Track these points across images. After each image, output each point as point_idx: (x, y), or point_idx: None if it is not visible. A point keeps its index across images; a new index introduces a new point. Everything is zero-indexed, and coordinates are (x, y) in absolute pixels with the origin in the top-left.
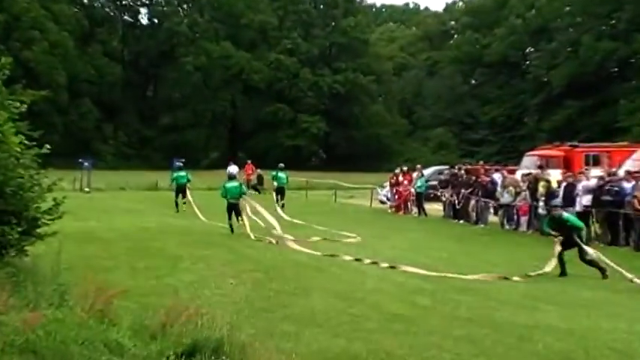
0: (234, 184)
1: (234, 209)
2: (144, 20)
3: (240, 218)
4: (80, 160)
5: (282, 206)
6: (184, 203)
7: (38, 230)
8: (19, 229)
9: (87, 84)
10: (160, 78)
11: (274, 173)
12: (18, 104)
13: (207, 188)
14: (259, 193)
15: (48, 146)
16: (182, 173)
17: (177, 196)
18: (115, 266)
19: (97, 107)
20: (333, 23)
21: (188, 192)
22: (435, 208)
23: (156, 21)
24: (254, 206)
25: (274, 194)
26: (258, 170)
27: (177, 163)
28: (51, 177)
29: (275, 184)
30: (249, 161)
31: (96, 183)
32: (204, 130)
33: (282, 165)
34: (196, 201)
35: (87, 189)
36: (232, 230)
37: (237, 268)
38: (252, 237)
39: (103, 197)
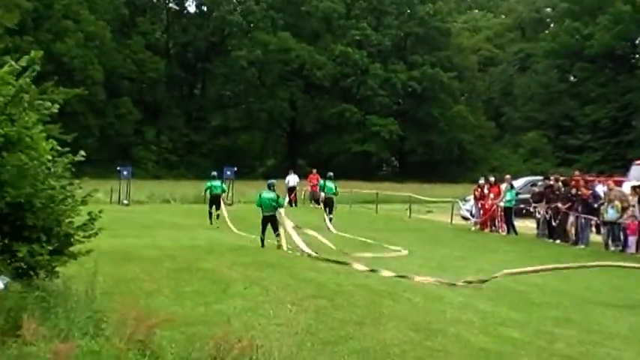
0: (269, 195)
1: (269, 222)
2: (191, 8)
3: (277, 233)
4: (118, 168)
5: (330, 220)
6: (217, 217)
7: (71, 249)
8: (50, 248)
9: (126, 81)
10: (209, 74)
11: (322, 183)
12: (49, 104)
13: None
14: (317, 204)
15: (83, 153)
16: (216, 183)
17: (210, 207)
18: (157, 290)
19: (138, 108)
20: (409, 11)
21: (222, 204)
22: (526, 226)
23: (205, 9)
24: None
25: (322, 206)
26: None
27: (213, 173)
28: (85, 188)
29: (322, 194)
30: (314, 170)
31: (136, 194)
32: (260, 134)
33: (331, 174)
34: (237, 213)
35: (125, 201)
36: (263, 244)
37: (298, 294)
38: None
39: (144, 210)
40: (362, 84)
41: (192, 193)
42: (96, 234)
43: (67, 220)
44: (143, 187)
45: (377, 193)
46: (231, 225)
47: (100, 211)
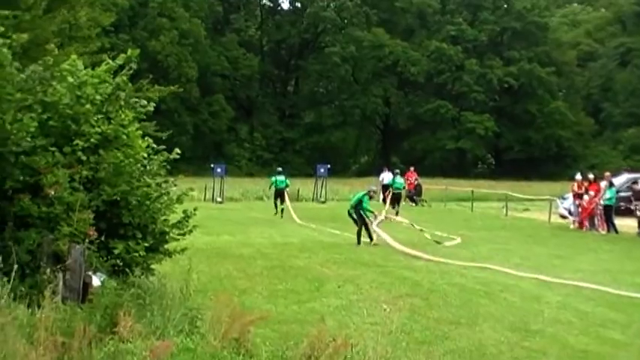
0: (280, 177)
1: (280, 196)
2: (285, 5)
3: (283, 203)
4: (212, 166)
5: (397, 213)
6: (282, 210)
7: (166, 246)
8: (145, 245)
9: (220, 78)
10: (303, 71)
11: (390, 179)
12: (145, 102)
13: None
14: (415, 204)
15: (178, 150)
16: (281, 178)
17: (275, 199)
18: (251, 288)
19: (231, 105)
20: (506, 5)
21: (286, 197)
22: (627, 225)
23: (298, 5)
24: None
25: (387, 203)
26: (418, 178)
27: (278, 169)
28: (180, 185)
29: (390, 190)
30: (411, 168)
31: (229, 192)
32: (353, 131)
33: (397, 171)
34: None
35: (219, 199)
36: (276, 211)
37: (392, 292)
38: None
39: (237, 208)
40: (457, 80)
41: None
42: (190, 231)
43: (162, 218)
44: (236, 184)
45: (472, 191)
46: (295, 217)
47: (194, 209)
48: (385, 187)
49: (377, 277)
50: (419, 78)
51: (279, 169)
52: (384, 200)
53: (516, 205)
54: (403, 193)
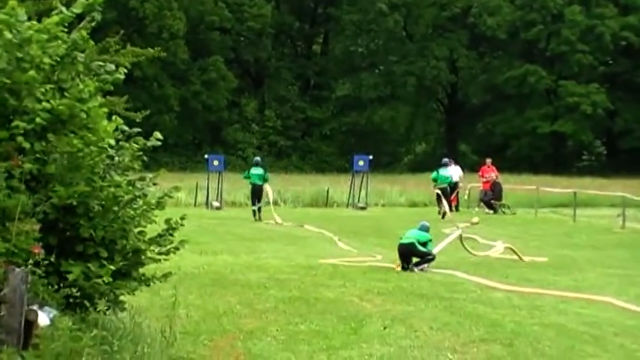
0: (258, 171)
1: (256, 194)
2: None
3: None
4: (206, 157)
5: (443, 216)
6: (259, 209)
7: (141, 270)
8: (113, 268)
9: (218, 34)
10: (334, 22)
11: (434, 173)
12: (112, 68)
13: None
14: (494, 211)
15: (159, 135)
16: (257, 171)
17: (252, 201)
18: (261, 329)
19: (233, 71)
20: None
21: (270, 194)
22: None
23: None
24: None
25: (439, 201)
26: (497, 175)
27: (256, 158)
28: (162, 184)
29: (434, 184)
30: (488, 160)
31: (231, 193)
32: (405, 108)
33: (446, 160)
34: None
35: (216, 203)
36: (255, 216)
37: (460, 336)
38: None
39: (243, 217)
40: (553, 35)
41: (309, 192)
42: (176, 249)
43: (136, 230)
44: (240, 182)
45: (575, 193)
46: (277, 218)
47: (182, 218)
48: (451, 187)
49: (439, 315)
50: (499, 33)
51: (257, 158)
52: (450, 205)
53: (637, 213)
54: (470, 193)
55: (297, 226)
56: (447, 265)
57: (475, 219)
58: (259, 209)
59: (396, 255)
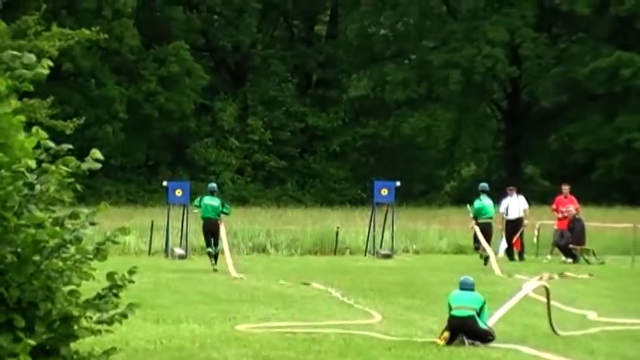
0: (213, 202)
1: (211, 231)
2: None
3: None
4: (165, 185)
5: (486, 261)
6: (216, 256)
7: (73, 345)
8: (32, 343)
9: (181, 11)
10: None
11: (476, 205)
12: (32, 58)
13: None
14: (574, 260)
15: (99, 155)
16: (212, 202)
17: (207, 237)
18: None
19: (204, 62)
20: None
21: (222, 233)
22: None
23: None
24: None
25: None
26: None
27: (211, 185)
28: (103, 224)
29: (474, 221)
30: (565, 188)
31: (199, 236)
32: (446, 113)
33: (484, 185)
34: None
35: (180, 250)
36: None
37: None
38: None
39: (216, 268)
40: None
41: (311, 234)
42: (123, 316)
43: (65, 289)
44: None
45: None
46: (232, 271)
47: (131, 272)
48: (512, 225)
49: None
50: (579, 7)
51: (212, 185)
52: (510, 250)
53: None
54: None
55: (293, 284)
56: (509, 337)
57: (545, 275)
58: (216, 255)
59: (433, 322)
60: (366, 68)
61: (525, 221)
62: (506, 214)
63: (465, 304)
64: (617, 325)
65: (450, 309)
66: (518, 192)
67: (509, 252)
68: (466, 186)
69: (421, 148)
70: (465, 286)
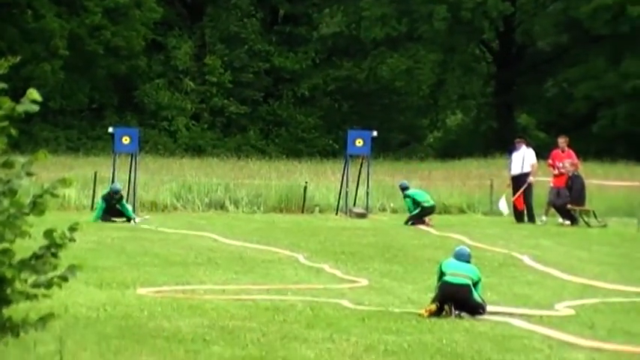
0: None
1: None
2: None
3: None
4: (110, 131)
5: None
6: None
7: (5, 311)
8: None
9: None
10: None
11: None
12: None
13: None
14: (572, 222)
15: (36, 95)
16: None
17: None
18: None
19: None
20: None
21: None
22: None
23: None
24: None
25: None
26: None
27: (115, 186)
28: (41, 174)
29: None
30: (562, 140)
31: (148, 191)
32: (429, 54)
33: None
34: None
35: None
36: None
37: None
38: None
39: (170, 227)
40: None
41: (276, 189)
42: (63, 279)
43: None
44: (166, 170)
45: None
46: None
47: (71, 228)
48: (517, 181)
49: None
50: None
51: (117, 187)
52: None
53: None
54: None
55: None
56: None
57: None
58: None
59: (412, 290)
60: (339, 2)
61: (530, 178)
62: (510, 170)
63: (461, 272)
64: (619, 296)
65: (443, 275)
66: (527, 145)
67: (517, 213)
68: (452, 137)
69: (401, 93)
70: (461, 257)
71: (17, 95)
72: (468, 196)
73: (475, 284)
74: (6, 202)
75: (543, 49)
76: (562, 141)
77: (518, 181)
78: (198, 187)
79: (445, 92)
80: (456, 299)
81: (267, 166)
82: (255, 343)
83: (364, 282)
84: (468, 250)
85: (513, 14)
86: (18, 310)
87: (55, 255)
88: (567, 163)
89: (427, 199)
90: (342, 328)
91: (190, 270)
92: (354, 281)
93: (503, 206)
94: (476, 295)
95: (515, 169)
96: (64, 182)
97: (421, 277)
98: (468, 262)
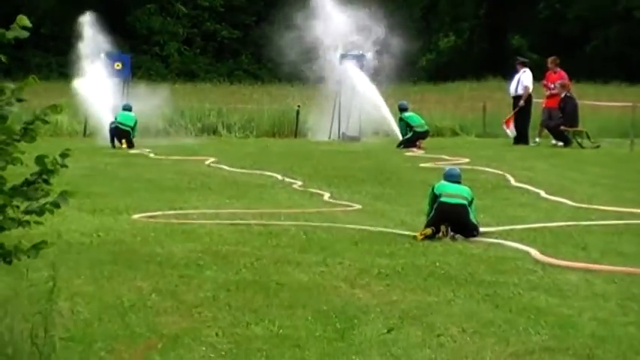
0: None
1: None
2: None
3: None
4: (102, 57)
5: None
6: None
7: None
8: None
9: None
10: None
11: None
12: None
13: None
14: (565, 143)
15: (25, 21)
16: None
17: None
18: (192, 333)
19: None
20: None
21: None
22: None
23: None
24: None
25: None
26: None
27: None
28: (32, 100)
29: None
30: (550, 60)
31: (141, 116)
32: None
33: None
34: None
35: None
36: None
37: (511, 343)
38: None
39: (163, 153)
40: None
41: (269, 114)
42: (55, 205)
43: None
44: (157, 98)
45: None
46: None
47: (63, 154)
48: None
49: (476, 310)
50: None
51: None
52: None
53: None
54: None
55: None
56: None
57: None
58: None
59: (405, 213)
60: None
61: (520, 101)
62: (517, 90)
63: (456, 193)
64: (612, 217)
65: (437, 197)
66: (525, 67)
67: (519, 136)
68: (444, 60)
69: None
70: (452, 178)
71: (8, 21)
72: (461, 119)
73: (469, 204)
74: None
75: None
76: (551, 61)
77: (514, 103)
78: (190, 112)
79: (437, 15)
80: (452, 219)
81: (260, 91)
82: (249, 268)
83: (357, 206)
84: (458, 170)
85: None
86: (10, 236)
87: (46, 181)
88: (558, 84)
89: (421, 124)
90: (336, 251)
91: (184, 195)
92: (347, 205)
93: (511, 128)
94: (472, 216)
95: (511, 91)
96: (55, 109)
97: (414, 200)
98: (459, 182)
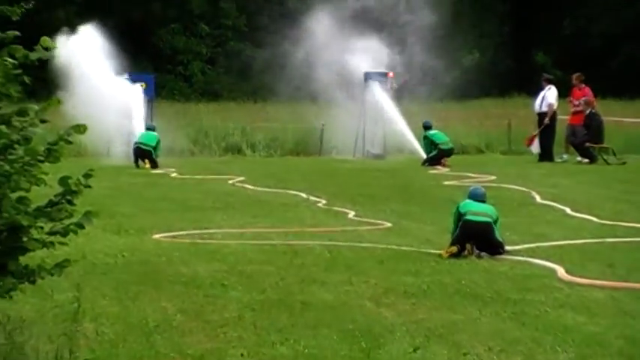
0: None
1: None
2: None
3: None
4: (126, 77)
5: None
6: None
7: (22, 259)
8: None
9: None
10: None
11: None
12: None
13: None
14: (591, 160)
15: (50, 43)
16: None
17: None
18: (217, 353)
19: None
20: None
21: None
22: None
23: None
24: None
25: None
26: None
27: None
28: (56, 121)
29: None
30: (575, 77)
31: (167, 135)
32: None
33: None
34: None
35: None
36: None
37: None
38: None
39: (187, 173)
40: None
41: (292, 132)
42: (80, 226)
43: (13, 196)
44: (183, 115)
45: None
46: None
47: (87, 175)
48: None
49: (502, 328)
50: None
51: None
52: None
53: None
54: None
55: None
56: (516, 247)
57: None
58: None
59: (430, 231)
60: None
61: (545, 119)
62: (540, 107)
63: (481, 211)
64: (638, 234)
65: (462, 216)
66: (549, 82)
67: (543, 152)
68: (468, 77)
69: None
70: (477, 197)
71: (31, 42)
72: (486, 136)
73: (494, 222)
74: (21, 151)
75: None
76: (575, 77)
77: (539, 119)
78: (214, 132)
79: (461, 32)
80: (478, 237)
81: (284, 109)
82: (274, 287)
83: (387, 224)
84: (483, 189)
85: None
86: (35, 258)
87: (70, 202)
88: (582, 101)
89: (446, 142)
90: (361, 270)
91: (208, 215)
92: (374, 224)
93: (534, 145)
94: (497, 234)
95: (536, 108)
96: (79, 129)
97: (439, 217)
98: (484, 201)
